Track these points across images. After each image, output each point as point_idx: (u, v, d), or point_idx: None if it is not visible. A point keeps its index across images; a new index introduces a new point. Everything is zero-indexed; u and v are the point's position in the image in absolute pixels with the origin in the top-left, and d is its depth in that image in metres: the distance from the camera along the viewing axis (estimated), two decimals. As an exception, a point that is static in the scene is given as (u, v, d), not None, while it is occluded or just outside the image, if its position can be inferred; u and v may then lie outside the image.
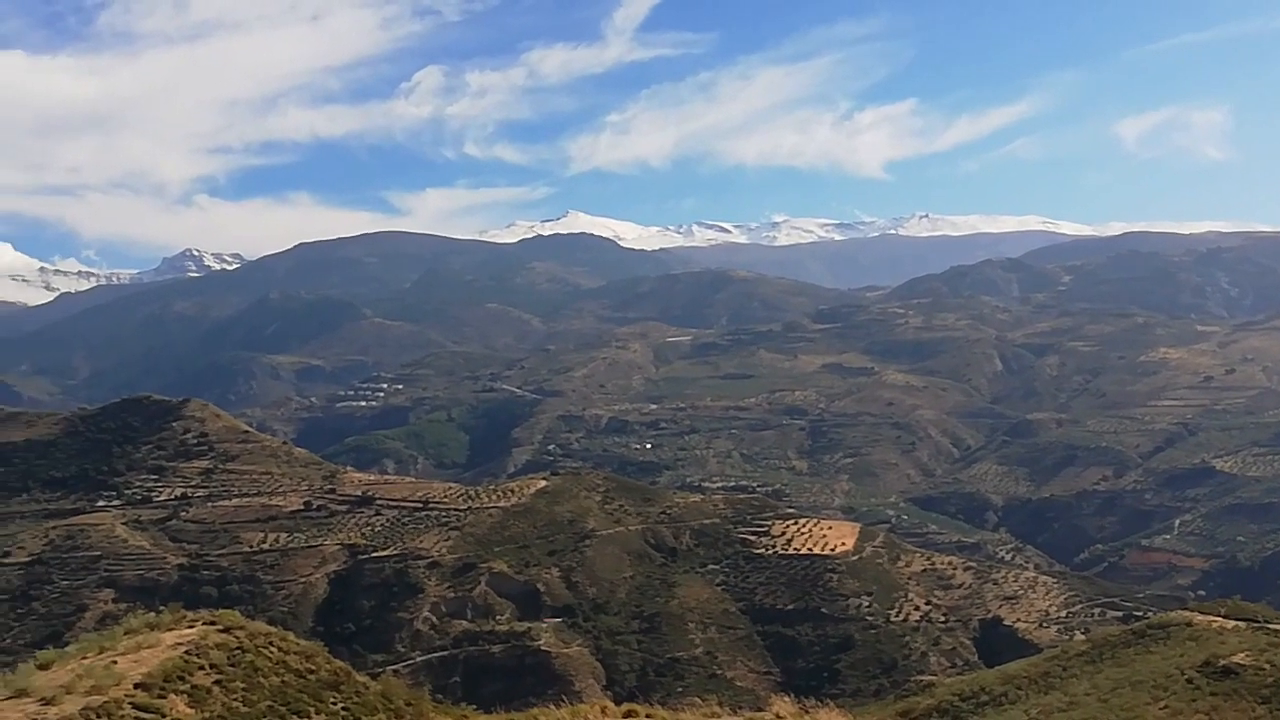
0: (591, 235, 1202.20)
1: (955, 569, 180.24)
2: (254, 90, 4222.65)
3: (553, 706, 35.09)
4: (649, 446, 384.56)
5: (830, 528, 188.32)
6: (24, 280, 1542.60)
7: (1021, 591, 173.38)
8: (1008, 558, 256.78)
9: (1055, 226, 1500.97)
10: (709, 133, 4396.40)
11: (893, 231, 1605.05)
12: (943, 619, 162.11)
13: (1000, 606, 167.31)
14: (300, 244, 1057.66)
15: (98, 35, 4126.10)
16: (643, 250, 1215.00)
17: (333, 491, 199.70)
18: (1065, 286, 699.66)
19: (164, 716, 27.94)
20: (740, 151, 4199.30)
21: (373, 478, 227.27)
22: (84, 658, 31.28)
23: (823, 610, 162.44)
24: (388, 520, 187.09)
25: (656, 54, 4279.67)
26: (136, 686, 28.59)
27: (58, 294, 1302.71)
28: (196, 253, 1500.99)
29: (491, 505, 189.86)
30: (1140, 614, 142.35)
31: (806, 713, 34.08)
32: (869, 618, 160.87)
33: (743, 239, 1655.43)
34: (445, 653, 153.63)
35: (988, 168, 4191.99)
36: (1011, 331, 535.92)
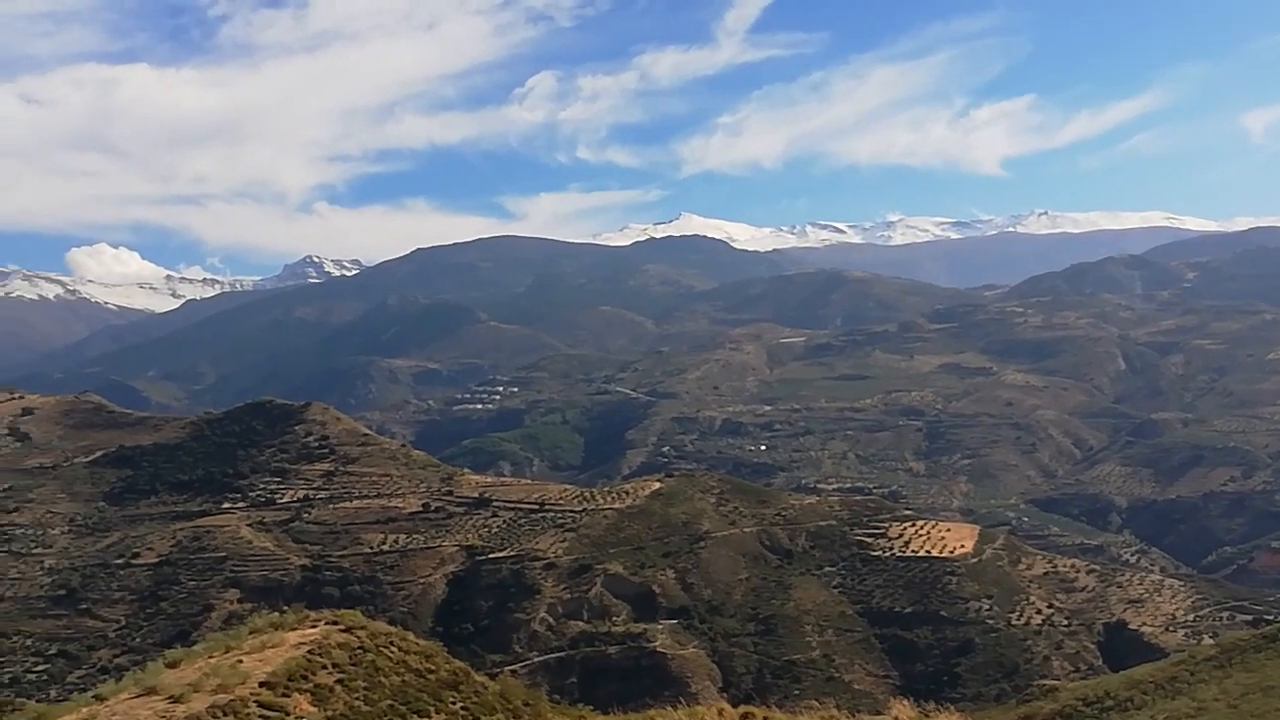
0: (704, 237, 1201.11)
1: (1078, 572, 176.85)
2: (371, 99, 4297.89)
3: (669, 708, 34.98)
4: (763, 448, 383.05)
5: (949, 530, 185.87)
6: (151, 288, 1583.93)
7: (1147, 595, 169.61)
8: (1132, 560, 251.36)
9: (1179, 222, 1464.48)
10: (822, 133, 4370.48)
11: (1011, 229, 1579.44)
12: (1065, 622, 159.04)
13: (1125, 610, 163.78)
14: (417, 249, 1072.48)
15: (220, 48, 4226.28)
16: (756, 251, 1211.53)
17: (450, 493, 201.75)
18: (1190, 283, 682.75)
19: (288, 715, 28.35)
20: (854, 151, 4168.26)
21: (489, 480, 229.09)
22: (210, 656, 31.87)
23: (942, 613, 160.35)
24: (504, 522, 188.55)
25: (768, 55, 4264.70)
26: (261, 685, 29.04)
27: (184, 301, 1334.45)
28: (317, 259, 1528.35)
29: (606, 507, 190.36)
30: (1271, 618, 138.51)
31: (926, 717, 33.55)
32: (989, 621, 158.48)
33: (857, 239, 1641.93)
34: (562, 653, 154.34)
35: (1109, 163, 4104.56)
36: (1135, 330, 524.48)
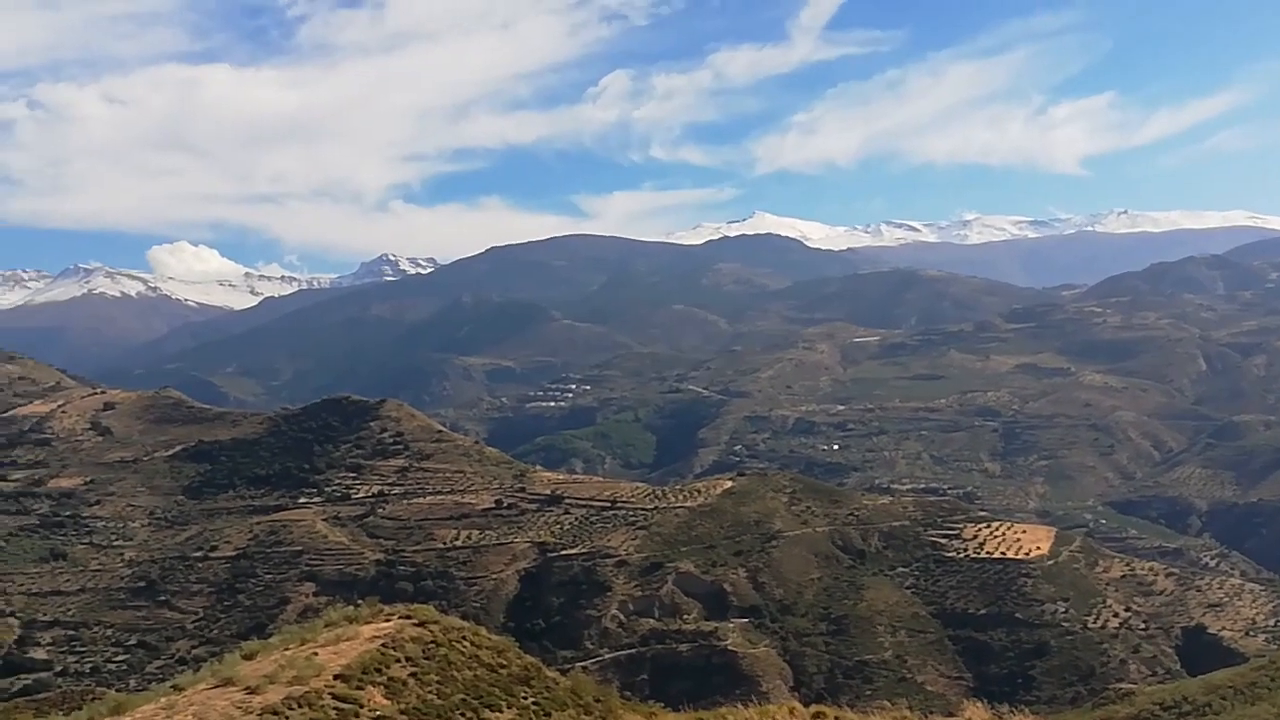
0: (778, 236, 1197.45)
1: (1156, 575, 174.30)
2: (447, 98, 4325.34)
3: (740, 706, 34.88)
4: (836, 448, 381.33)
5: (1024, 531, 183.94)
6: (230, 285, 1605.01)
7: (1227, 599, 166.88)
8: (1212, 564, 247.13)
9: (1263, 221, 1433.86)
10: (897, 131, 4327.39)
11: (1090, 228, 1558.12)
12: (1143, 626, 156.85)
13: (1204, 614, 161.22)
14: (491, 248, 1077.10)
15: (298, 48, 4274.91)
16: (830, 250, 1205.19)
17: (523, 490, 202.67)
18: (1273, 284, 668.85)
19: (362, 707, 28.58)
20: (930, 149, 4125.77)
21: (561, 477, 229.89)
22: (286, 649, 32.21)
23: (1017, 615, 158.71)
24: (576, 519, 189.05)
25: (843, 52, 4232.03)
26: (336, 677, 29.31)
27: (262, 298, 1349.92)
28: (392, 257, 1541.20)
29: (678, 505, 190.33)
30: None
31: (1000, 719, 33.20)
32: (1065, 624, 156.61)
33: (932, 238, 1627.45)
34: (633, 650, 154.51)
35: (1190, 161, 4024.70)
36: (1216, 330, 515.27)
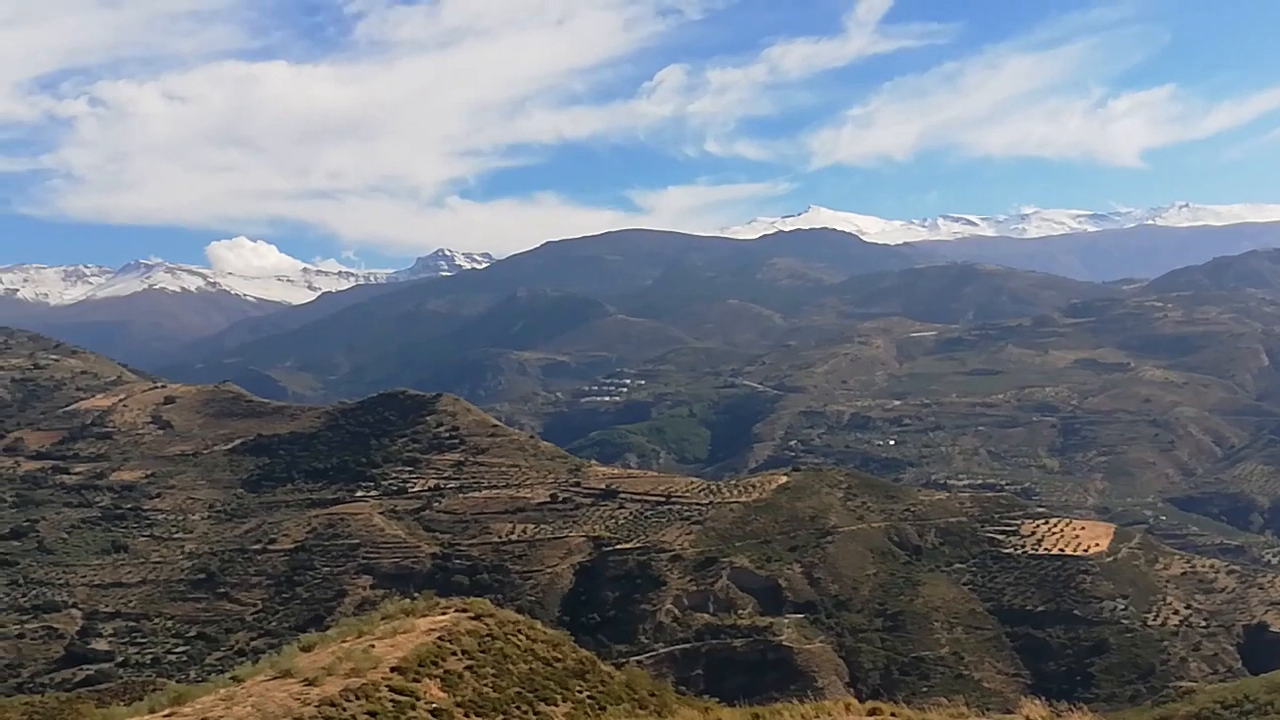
0: (833, 230, 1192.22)
1: (1217, 572, 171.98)
2: (502, 94, 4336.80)
3: (796, 702, 34.71)
4: (892, 443, 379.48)
5: (1083, 528, 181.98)
6: (289, 280, 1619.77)
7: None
8: (1274, 561, 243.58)
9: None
10: (954, 124, 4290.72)
11: (1150, 222, 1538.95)
12: (1203, 624, 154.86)
13: (1266, 612, 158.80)
14: (547, 243, 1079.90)
15: (355, 45, 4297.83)
16: (886, 245, 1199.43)
17: (578, 484, 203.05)
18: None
19: (418, 700, 28.70)
20: (987, 142, 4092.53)
21: (616, 471, 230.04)
22: (344, 641, 32.43)
23: (1075, 612, 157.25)
24: (631, 513, 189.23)
25: (899, 46, 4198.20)
26: (393, 670, 29.45)
27: (319, 293, 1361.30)
28: (448, 253, 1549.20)
29: (733, 500, 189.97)
30: None
31: (1058, 717, 32.80)
32: (1124, 621, 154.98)
33: (990, 232, 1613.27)
34: (687, 645, 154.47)
35: (1253, 154, 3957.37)
36: (1279, 325, 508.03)
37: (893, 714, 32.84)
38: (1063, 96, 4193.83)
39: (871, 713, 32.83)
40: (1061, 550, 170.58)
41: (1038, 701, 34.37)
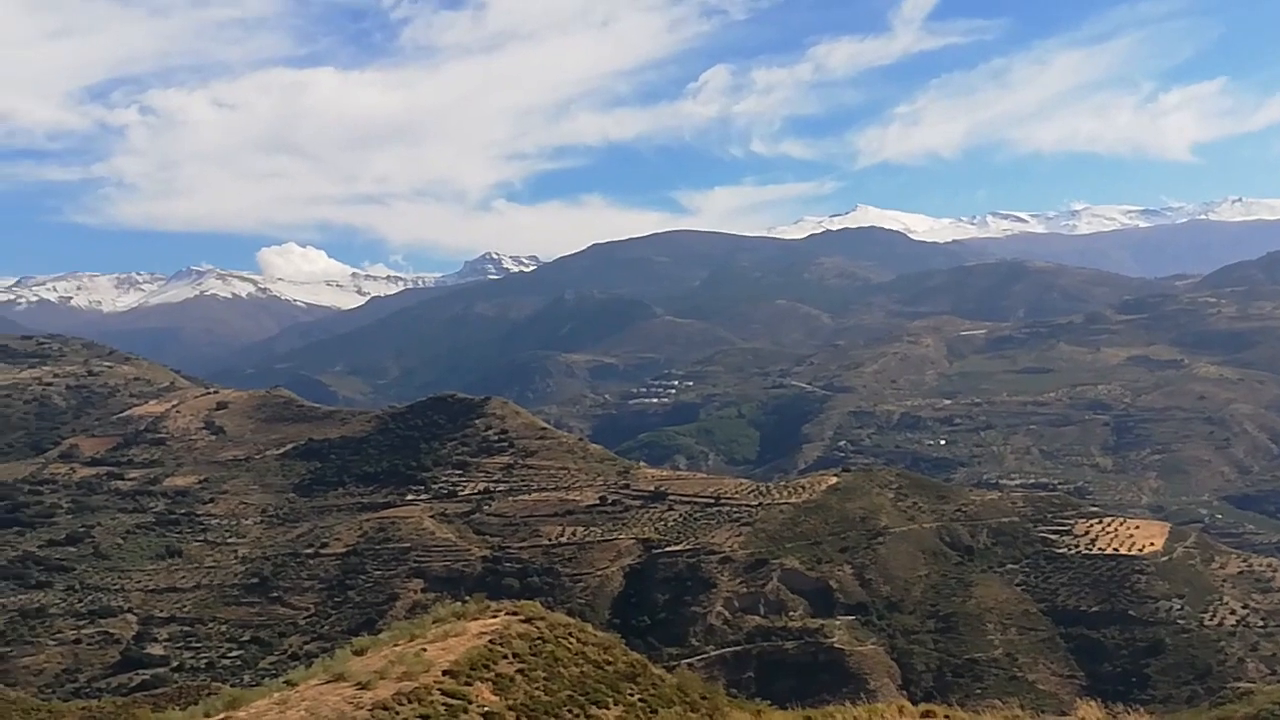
0: (881, 229, 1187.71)
1: (1275, 571, 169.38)
2: (547, 97, 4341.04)
3: (848, 704, 34.50)
4: (943, 443, 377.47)
5: (1137, 527, 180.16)
6: (338, 285, 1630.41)
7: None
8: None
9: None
10: (1002, 120, 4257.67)
11: (1203, 217, 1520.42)
12: (1261, 624, 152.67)
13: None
14: (593, 245, 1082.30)
15: (401, 50, 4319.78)
16: (934, 243, 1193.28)
17: (627, 487, 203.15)
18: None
19: (470, 703, 28.69)
20: (1036, 139, 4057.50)
21: (665, 473, 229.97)
22: (396, 645, 32.49)
23: (1130, 612, 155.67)
24: (680, 515, 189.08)
25: (946, 42, 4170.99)
26: (445, 673, 29.45)
27: (368, 298, 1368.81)
28: (495, 256, 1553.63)
29: (783, 501, 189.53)
30: None
31: (1114, 718, 32.42)
32: (1180, 621, 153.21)
33: (1040, 228, 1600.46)
34: (738, 647, 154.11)
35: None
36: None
37: (946, 716, 32.58)
38: (1112, 91, 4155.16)
39: (925, 715, 32.57)
40: (1116, 550, 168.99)
41: (1093, 703, 34.00)
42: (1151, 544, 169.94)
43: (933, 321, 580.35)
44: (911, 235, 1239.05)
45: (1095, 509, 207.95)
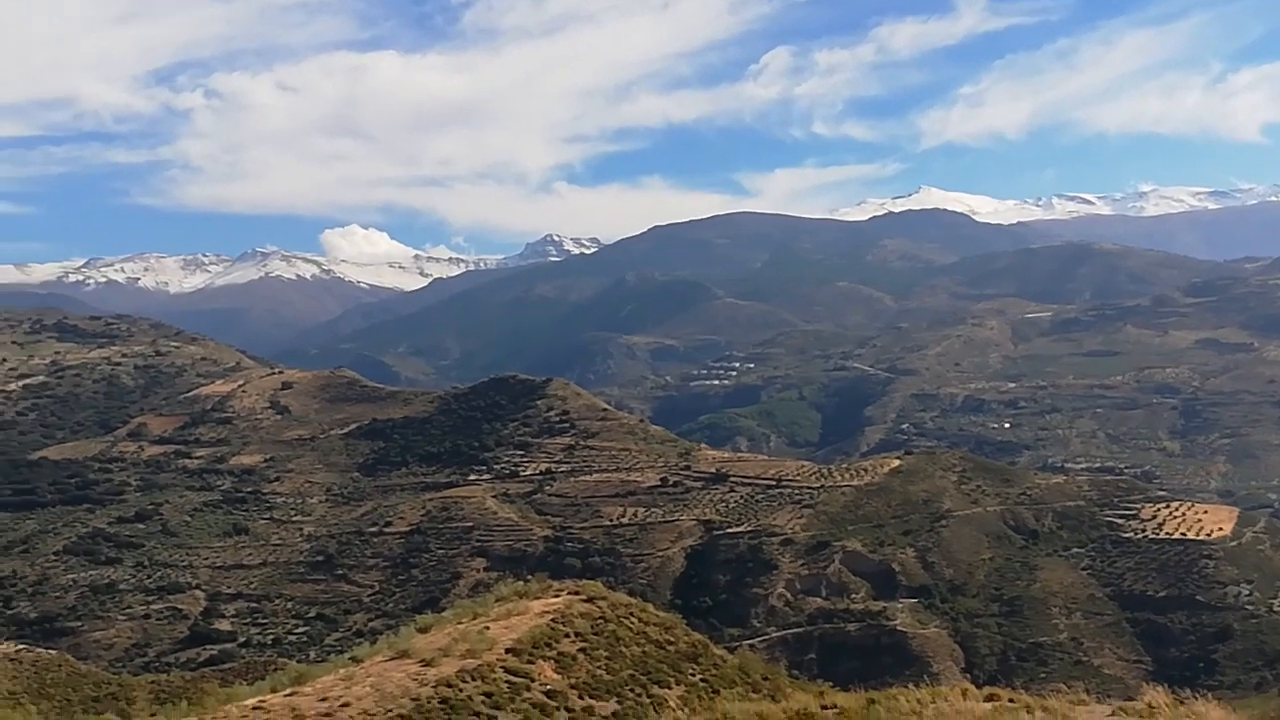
0: (945, 211, 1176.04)
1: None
2: (608, 79, 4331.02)
3: (911, 687, 34.27)
4: (1007, 426, 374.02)
5: (1205, 512, 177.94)
6: (400, 267, 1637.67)
7: None
8: None
9: None
10: (1068, 101, 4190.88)
11: (1273, 199, 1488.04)
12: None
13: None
14: (654, 227, 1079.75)
15: (463, 33, 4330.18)
16: (999, 224, 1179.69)
17: (688, 468, 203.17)
18: None
19: (533, 681, 28.80)
20: (1102, 120, 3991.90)
21: (726, 455, 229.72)
22: (459, 623, 32.68)
23: (1198, 597, 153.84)
24: (741, 497, 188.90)
25: (1011, 23, 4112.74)
26: (508, 651, 29.59)
27: (430, 280, 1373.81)
28: (556, 238, 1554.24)
29: (844, 484, 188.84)
30: None
31: (1181, 704, 31.91)
32: (1249, 606, 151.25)
33: (1106, 210, 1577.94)
34: (800, 629, 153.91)
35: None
36: None
37: (1010, 700, 32.21)
38: (1180, 71, 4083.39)
39: (989, 699, 32.15)
40: (1183, 534, 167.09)
41: (1159, 688, 33.49)
42: (1220, 529, 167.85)
43: (997, 304, 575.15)
44: (976, 217, 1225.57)
45: (1162, 493, 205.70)
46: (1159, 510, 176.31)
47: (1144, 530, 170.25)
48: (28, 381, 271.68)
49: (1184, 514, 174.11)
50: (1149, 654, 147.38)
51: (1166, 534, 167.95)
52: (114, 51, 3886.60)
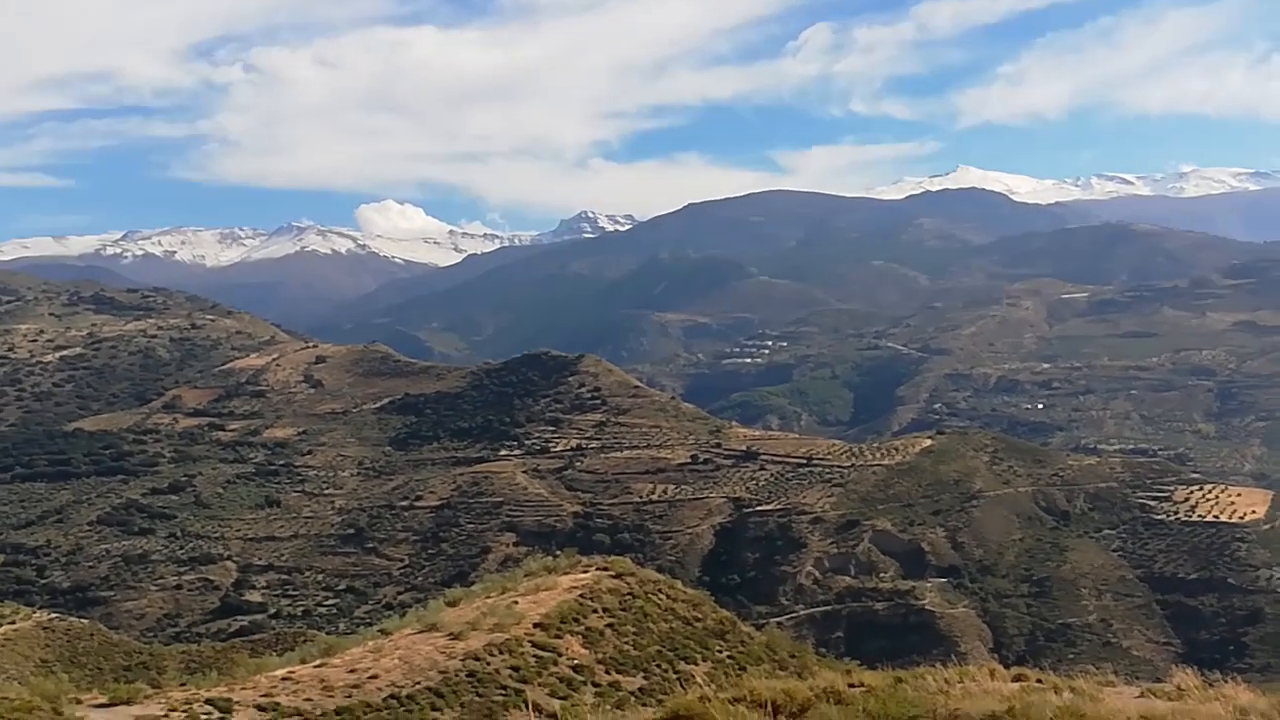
0: (982, 190, 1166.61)
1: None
2: (645, 56, 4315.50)
3: (940, 666, 34.26)
4: (1040, 407, 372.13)
5: (1239, 494, 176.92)
6: (435, 243, 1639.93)
7: None
8: None
9: None
10: (1109, 81, 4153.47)
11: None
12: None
13: None
14: (689, 204, 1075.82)
15: (501, 8, 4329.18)
16: (1036, 204, 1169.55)
17: (718, 446, 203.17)
18: None
19: (560, 655, 28.99)
20: (1143, 99, 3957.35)
21: (757, 433, 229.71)
22: (488, 597, 32.91)
23: (1229, 580, 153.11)
24: (771, 475, 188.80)
25: (1053, 1, 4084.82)
26: (535, 626, 29.79)
27: (465, 255, 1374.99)
28: (591, 214, 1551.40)
29: (875, 463, 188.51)
30: None
31: (1211, 687, 31.77)
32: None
33: (1146, 191, 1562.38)
34: (828, 608, 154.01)
35: None
36: None
37: (1039, 681, 32.18)
38: (1224, 51, 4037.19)
39: (1017, 679, 32.10)
40: (1216, 517, 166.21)
41: (1189, 671, 33.38)
42: (1253, 512, 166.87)
43: (1033, 284, 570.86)
44: (1013, 196, 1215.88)
45: (1196, 476, 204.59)
46: (1192, 493, 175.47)
47: (1176, 513, 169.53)
48: (64, 353, 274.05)
49: (1217, 497, 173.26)
50: (1179, 636, 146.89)
51: (1199, 516, 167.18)
52: (156, 25, 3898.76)
